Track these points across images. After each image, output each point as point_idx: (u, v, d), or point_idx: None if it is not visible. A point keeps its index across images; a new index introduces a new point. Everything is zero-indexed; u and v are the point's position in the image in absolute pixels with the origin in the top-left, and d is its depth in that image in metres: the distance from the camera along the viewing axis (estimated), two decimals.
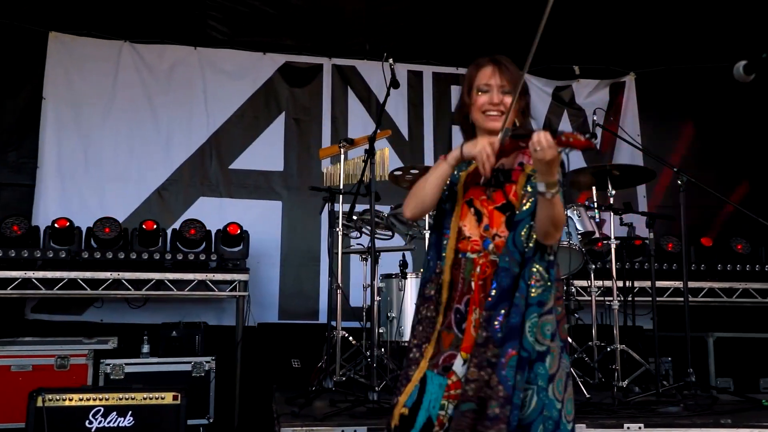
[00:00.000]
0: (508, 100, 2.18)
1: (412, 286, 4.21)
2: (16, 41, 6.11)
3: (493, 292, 1.98)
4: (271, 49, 6.65)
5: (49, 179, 6.00)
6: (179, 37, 6.48)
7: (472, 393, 1.96)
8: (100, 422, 3.44)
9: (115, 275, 5.32)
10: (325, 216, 6.42)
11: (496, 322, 1.96)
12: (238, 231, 5.70)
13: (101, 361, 5.13)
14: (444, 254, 2.16)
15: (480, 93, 2.21)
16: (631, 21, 6.70)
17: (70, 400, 3.47)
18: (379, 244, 4.49)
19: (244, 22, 6.52)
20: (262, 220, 6.14)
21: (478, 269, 2.09)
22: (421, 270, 4.25)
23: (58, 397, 3.43)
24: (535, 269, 2.00)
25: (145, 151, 6.25)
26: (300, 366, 4.98)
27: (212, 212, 6.08)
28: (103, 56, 6.29)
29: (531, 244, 2.03)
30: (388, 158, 4.33)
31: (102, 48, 6.31)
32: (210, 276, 5.48)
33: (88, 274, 5.29)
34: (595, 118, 4.77)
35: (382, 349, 4.11)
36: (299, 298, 6.28)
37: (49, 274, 5.21)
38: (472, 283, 2.09)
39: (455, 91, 6.86)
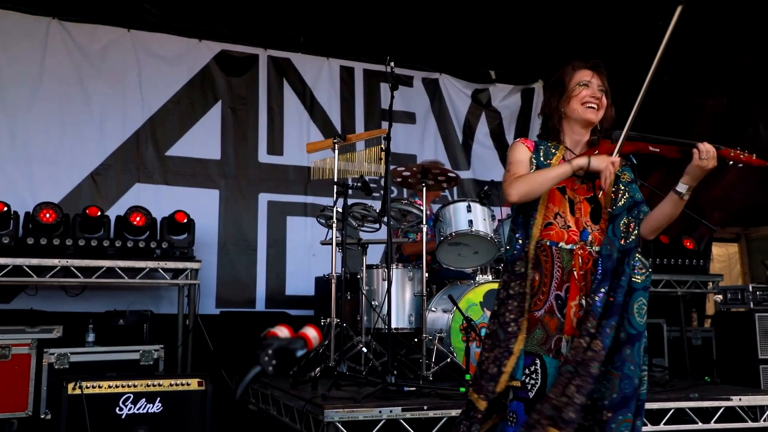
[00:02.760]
0: (604, 98, 2.45)
1: (396, 276, 4.49)
2: None
3: (599, 276, 2.32)
4: (207, 36, 6.62)
5: None
6: (112, 18, 6.28)
7: (571, 357, 2.26)
8: (130, 409, 3.43)
9: (63, 262, 5.14)
10: (263, 205, 6.58)
11: (597, 298, 2.29)
12: (185, 219, 5.68)
13: (45, 350, 4.96)
14: (531, 233, 2.41)
15: (582, 87, 2.43)
16: (540, 31, 7.33)
17: (100, 387, 3.43)
18: (366, 236, 4.72)
19: (179, 6, 6.43)
20: (199, 209, 6.12)
21: (579, 260, 2.34)
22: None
23: (88, 385, 3.39)
24: (637, 258, 2.35)
25: (77, 135, 6.02)
26: None
27: (149, 199, 6.00)
28: (29, 32, 5.98)
29: (633, 236, 2.35)
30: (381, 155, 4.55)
31: (28, 23, 5.99)
32: (162, 264, 5.44)
33: (34, 261, 5.07)
34: None
35: (369, 336, 4.36)
36: (237, 286, 6.35)
37: None
38: (574, 272, 2.33)
39: (383, 88, 7.19)
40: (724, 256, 9.98)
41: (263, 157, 6.68)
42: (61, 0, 6.05)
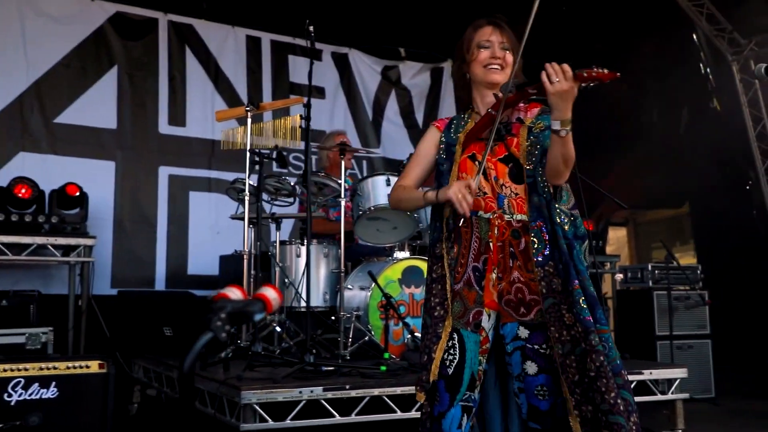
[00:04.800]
0: (507, 55, 2.33)
1: (312, 252, 4.31)
2: None
3: (542, 253, 2.20)
4: None
5: None
6: None
7: (546, 291, 2.13)
8: (20, 395, 3.07)
9: None
10: (163, 179, 6.21)
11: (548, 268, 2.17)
12: (77, 192, 5.26)
13: None
14: (443, 212, 2.31)
15: (481, 49, 2.32)
16: (449, 10, 7.29)
17: None
18: (280, 210, 4.51)
19: None
20: (92, 181, 5.67)
21: (496, 231, 2.22)
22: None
23: None
24: (559, 210, 2.21)
25: None
26: (172, 334, 4.79)
27: (35, 170, 5.49)
28: None
29: (548, 189, 2.20)
30: (299, 125, 4.32)
31: None
32: (52, 240, 5.01)
33: None
34: None
35: (283, 315, 4.17)
36: (134, 265, 5.96)
37: None
38: (490, 244, 2.21)
39: (292, 60, 6.95)
40: (614, 239, 10.45)
41: (164, 128, 6.28)
42: None
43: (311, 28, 3.89)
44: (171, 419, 4.20)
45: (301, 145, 4.72)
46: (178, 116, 6.36)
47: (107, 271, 5.83)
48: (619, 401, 2.05)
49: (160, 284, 6.03)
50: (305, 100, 3.97)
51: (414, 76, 7.50)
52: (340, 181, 4.16)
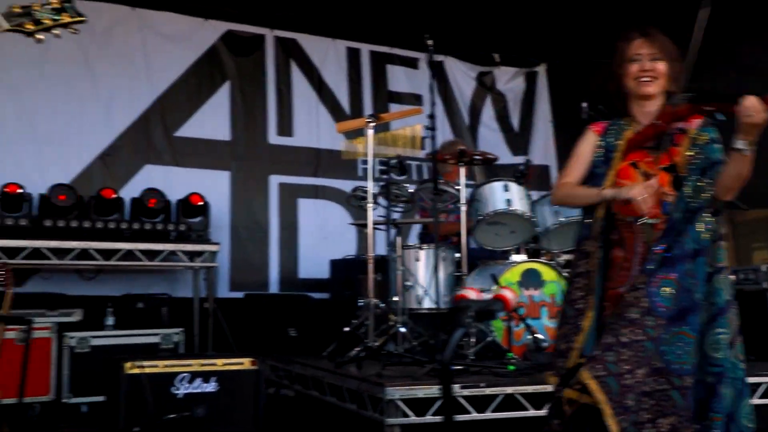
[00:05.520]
0: (659, 66, 2.42)
1: (428, 257, 4.50)
2: None
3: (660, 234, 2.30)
4: (212, 15, 6.49)
5: None
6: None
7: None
8: (186, 388, 3.38)
9: (83, 245, 5.04)
10: (274, 187, 6.53)
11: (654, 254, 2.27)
12: (200, 202, 5.62)
13: (65, 333, 4.88)
14: (595, 214, 2.42)
15: (631, 63, 2.44)
16: (543, 14, 7.36)
17: (156, 366, 3.37)
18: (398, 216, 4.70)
19: None
20: (210, 191, 6.02)
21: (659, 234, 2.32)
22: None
23: (145, 364, 3.33)
24: (705, 219, 2.29)
25: (84, 115, 5.87)
26: (297, 335, 5.07)
27: (159, 180, 5.86)
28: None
29: (702, 197, 2.29)
30: (420, 135, 4.52)
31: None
32: (181, 246, 5.38)
33: (53, 243, 4.96)
34: None
35: (406, 316, 4.36)
36: (249, 270, 6.29)
37: (13, 243, 4.81)
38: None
39: (390, 70, 7.18)
40: None
41: (273, 138, 6.61)
42: None
43: (430, 42, 4.06)
44: (305, 414, 4.43)
45: (420, 154, 4.92)
46: (285, 127, 6.68)
47: (226, 275, 6.16)
48: None
49: (273, 287, 6.34)
50: (424, 110, 4.15)
51: (509, 81, 7.61)
52: (458, 187, 4.33)
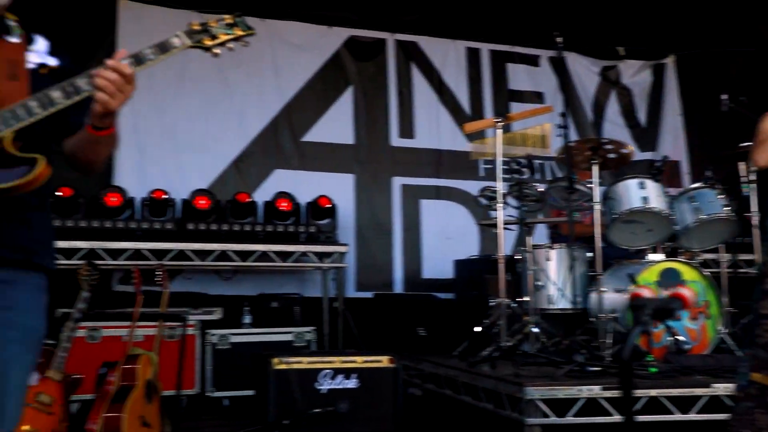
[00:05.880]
0: None
1: (560, 256, 4.43)
2: (86, 8, 5.89)
3: None
4: (335, 22, 6.69)
5: (125, 149, 5.84)
6: (246, 8, 6.34)
7: None
8: (329, 384, 3.53)
9: (222, 247, 5.31)
10: (396, 188, 6.62)
11: None
12: (328, 204, 5.79)
13: (207, 331, 5.15)
14: None
15: None
16: (669, 4, 7.09)
17: (300, 363, 3.54)
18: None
19: None
20: (335, 193, 6.18)
21: None
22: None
23: (291, 360, 3.50)
24: None
25: (219, 124, 6.19)
26: (426, 334, 5.14)
27: (287, 184, 6.09)
28: (172, 26, 6.09)
29: None
30: (549, 133, 4.49)
31: (171, 17, 6.16)
32: (312, 248, 5.56)
33: (196, 246, 5.26)
34: None
35: (538, 316, 4.32)
36: (374, 270, 6.42)
37: (160, 245, 5.15)
38: None
39: (511, 68, 7.12)
40: None
41: (395, 140, 6.72)
42: None
43: (559, 39, 4.01)
44: (438, 412, 4.46)
45: (550, 153, 4.86)
46: (407, 129, 6.77)
47: (352, 276, 6.32)
48: None
49: (398, 287, 6.44)
50: (553, 108, 4.10)
51: (634, 74, 7.37)
52: (590, 185, 4.24)
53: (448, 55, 6.96)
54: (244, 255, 5.41)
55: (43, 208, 1.93)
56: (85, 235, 5.00)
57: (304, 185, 6.14)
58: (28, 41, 1.97)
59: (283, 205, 5.67)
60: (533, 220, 4.56)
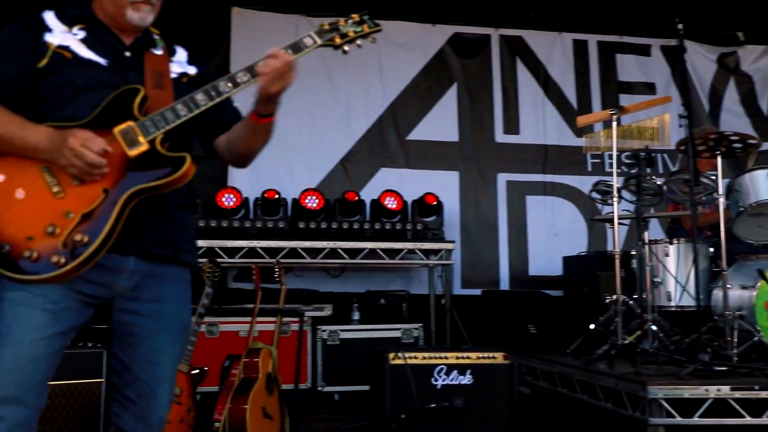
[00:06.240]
0: None
1: (678, 251, 4.27)
2: (201, 17, 6.16)
3: None
4: (439, 20, 6.69)
5: None
6: (352, 10, 6.48)
7: None
8: (444, 379, 3.56)
9: (331, 244, 5.43)
10: (502, 185, 6.56)
11: None
12: (435, 201, 5.80)
13: (318, 327, 5.27)
14: None
15: None
16: None
17: (416, 358, 3.59)
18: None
19: None
20: (440, 191, 6.17)
21: None
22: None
23: (408, 356, 3.55)
24: None
25: (326, 123, 6.32)
26: (537, 332, 5.08)
27: (393, 183, 6.14)
28: (281, 30, 6.33)
29: None
30: (669, 125, 4.35)
31: (281, 22, 6.35)
32: (419, 245, 5.60)
33: (307, 244, 5.40)
34: None
35: (656, 313, 4.18)
36: (480, 267, 6.38)
37: (273, 244, 5.32)
38: None
39: (620, 59, 6.91)
40: None
41: (500, 137, 6.65)
42: None
43: (680, 26, 3.85)
44: (552, 410, 4.39)
45: (669, 145, 4.68)
46: (512, 125, 6.68)
47: (457, 273, 6.31)
48: None
49: (504, 285, 6.37)
50: (672, 99, 3.95)
51: (755, 60, 6.98)
52: (713, 177, 4.06)
53: (553, 49, 6.82)
54: (352, 252, 5.51)
55: (186, 207, 2.05)
56: (204, 234, 5.22)
57: (409, 183, 6.18)
58: (170, 53, 2.10)
59: (390, 203, 5.72)
60: (652, 215, 4.40)
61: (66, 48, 1.91)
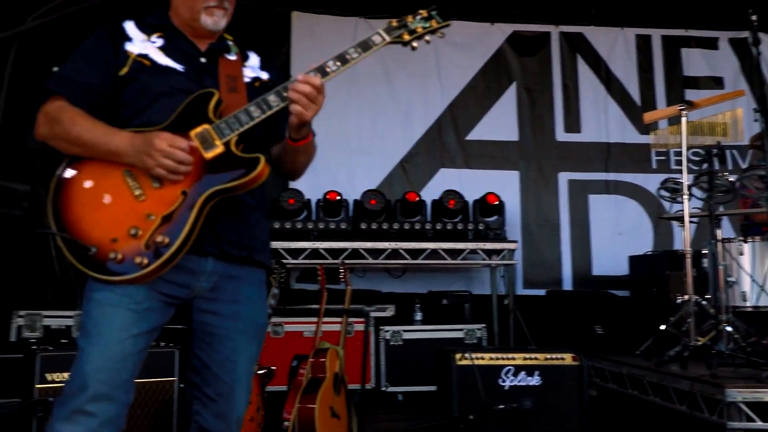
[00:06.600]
0: None
1: (753, 249, 4.13)
2: (262, 22, 6.26)
3: None
4: (498, 19, 6.65)
5: None
6: (411, 11, 6.49)
7: None
8: (511, 380, 3.54)
9: (393, 245, 5.45)
10: (563, 184, 6.46)
11: None
12: (496, 201, 5.75)
13: (380, 327, 5.29)
14: None
15: None
16: None
17: (483, 358, 3.58)
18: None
19: None
20: (500, 191, 6.11)
21: None
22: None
23: (475, 356, 3.54)
24: None
25: (386, 125, 6.35)
26: (604, 332, 4.99)
27: (453, 183, 6.12)
28: (340, 32, 6.38)
29: None
30: (742, 120, 4.22)
31: (339, 25, 6.40)
32: (481, 245, 5.57)
33: (368, 244, 5.43)
34: None
35: (730, 314, 4.04)
36: (542, 267, 6.30)
37: (336, 245, 5.37)
38: None
39: (685, 53, 6.73)
40: None
41: (561, 135, 6.56)
42: (366, 0, 6.42)
43: (754, 18, 3.73)
44: (622, 412, 4.30)
45: (743, 140, 4.54)
46: (573, 123, 6.59)
47: (519, 273, 6.24)
48: None
49: (566, 285, 6.28)
50: (745, 93, 3.82)
51: None
52: None
53: (616, 45, 6.69)
54: (414, 253, 5.52)
55: (260, 208, 2.08)
56: (270, 235, 5.29)
57: (468, 183, 6.16)
58: (244, 58, 2.13)
59: (451, 203, 5.70)
60: (726, 212, 4.27)
61: (145, 56, 1.96)
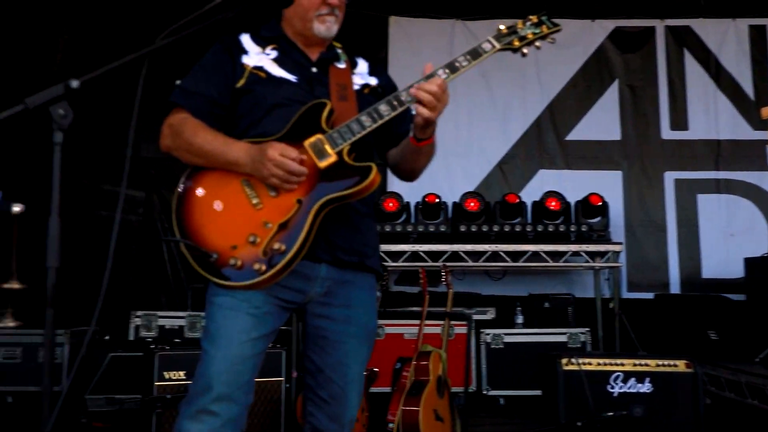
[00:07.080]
0: None
1: None
2: (360, 27, 6.35)
3: None
4: (600, 15, 6.47)
5: None
6: (507, 12, 6.43)
7: None
8: (621, 387, 3.46)
9: (493, 248, 5.41)
10: (669, 183, 6.22)
11: None
12: (600, 202, 5.61)
13: (481, 330, 5.25)
14: None
15: None
16: None
17: (590, 364, 3.52)
18: None
19: None
20: (602, 191, 5.94)
21: None
22: None
23: (582, 361, 3.49)
24: None
25: (483, 126, 6.31)
26: (718, 338, 4.78)
27: (553, 184, 6.01)
28: (437, 35, 6.41)
29: None
30: None
31: (436, 27, 6.43)
32: (583, 247, 5.45)
33: (468, 247, 5.42)
34: None
35: None
36: (647, 269, 6.09)
37: (436, 247, 5.39)
38: None
39: None
40: None
41: (666, 133, 6.32)
42: (463, 2, 6.40)
43: None
44: (739, 423, 4.10)
45: None
46: (679, 120, 6.34)
47: (623, 276, 6.05)
48: None
49: (674, 288, 6.05)
50: None
51: None
52: None
53: (726, 37, 6.38)
54: (514, 255, 5.46)
55: (370, 215, 2.12)
56: None
57: (569, 184, 6.03)
58: (352, 65, 2.18)
59: (553, 205, 5.61)
60: None
61: (260, 68, 2.04)
